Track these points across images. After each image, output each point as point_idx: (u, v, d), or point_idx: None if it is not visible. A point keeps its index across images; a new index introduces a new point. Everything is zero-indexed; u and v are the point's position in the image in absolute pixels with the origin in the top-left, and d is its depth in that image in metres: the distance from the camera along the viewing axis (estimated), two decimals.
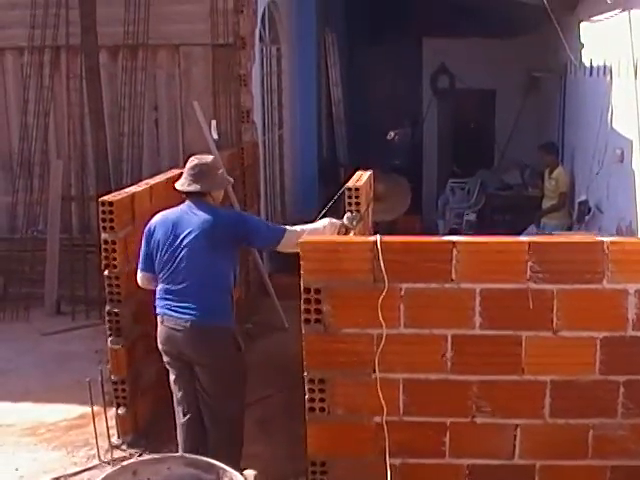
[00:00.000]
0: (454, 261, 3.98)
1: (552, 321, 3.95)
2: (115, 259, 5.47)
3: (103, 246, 5.47)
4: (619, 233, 6.42)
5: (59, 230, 8.81)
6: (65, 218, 8.90)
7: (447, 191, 11.07)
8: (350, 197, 5.36)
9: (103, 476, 4.16)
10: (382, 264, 4.01)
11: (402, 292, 4.05)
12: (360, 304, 4.10)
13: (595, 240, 3.92)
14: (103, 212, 5.43)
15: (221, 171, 5.19)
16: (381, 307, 4.04)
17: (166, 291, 4.86)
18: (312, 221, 5.32)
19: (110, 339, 5.55)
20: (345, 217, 5.27)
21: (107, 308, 5.53)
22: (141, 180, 8.55)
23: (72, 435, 5.86)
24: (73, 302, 8.60)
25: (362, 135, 13.08)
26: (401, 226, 9.80)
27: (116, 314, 5.52)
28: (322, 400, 4.22)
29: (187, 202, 4.99)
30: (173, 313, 4.80)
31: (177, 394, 5.07)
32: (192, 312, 4.75)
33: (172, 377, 5.05)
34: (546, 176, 9.06)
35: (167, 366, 5.05)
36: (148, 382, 5.88)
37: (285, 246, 4.95)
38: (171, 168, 7.26)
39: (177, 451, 5.41)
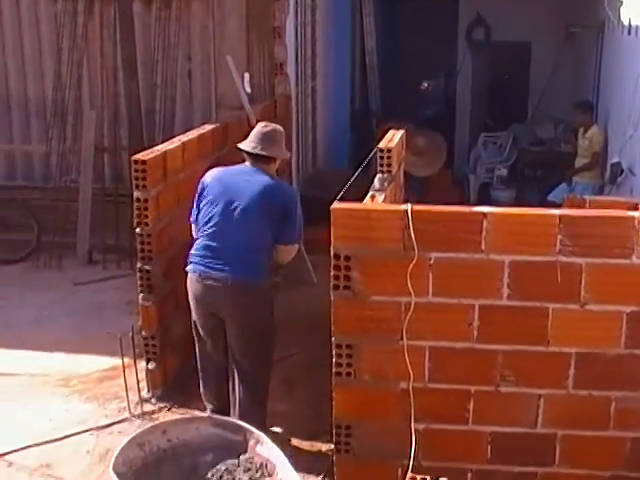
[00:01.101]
0: (484, 232, 3.99)
1: (579, 294, 3.97)
2: (147, 217, 5.52)
3: (135, 204, 5.52)
4: None
5: (92, 180, 8.88)
6: (98, 168, 8.96)
7: (479, 145, 10.97)
8: (382, 158, 5.35)
9: (134, 435, 4.29)
10: (412, 233, 4.03)
11: (431, 261, 4.07)
12: (389, 272, 4.13)
13: (626, 215, 3.90)
14: (135, 170, 5.47)
15: (284, 144, 5.20)
16: (410, 275, 4.07)
17: (206, 247, 4.91)
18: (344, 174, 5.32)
19: (141, 296, 5.64)
20: (376, 178, 5.27)
21: (138, 265, 5.61)
22: (173, 132, 8.67)
23: (103, 387, 5.99)
24: (105, 251, 8.71)
25: (395, 86, 12.96)
26: (432, 180, 9.77)
27: (147, 271, 5.59)
28: (349, 365, 4.28)
29: (247, 164, 5.03)
30: (211, 271, 4.85)
31: (204, 352, 5.19)
32: (233, 270, 4.81)
33: (201, 334, 5.14)
34: (580, 135, 8.95)
35: (196, 323, 5.14)
36: (177, 338, 5.98)
37: (286, 250, 5.05)
38: (203, 123, 7.27)
39: (205, 405, 5.55)
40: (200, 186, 5.06)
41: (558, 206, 5.76)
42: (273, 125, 5.12)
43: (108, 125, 8.98)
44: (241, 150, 5.05)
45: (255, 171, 4.96)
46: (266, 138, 4.98)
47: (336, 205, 4.21)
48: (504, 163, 10.54)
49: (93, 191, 8.90)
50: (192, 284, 4.99)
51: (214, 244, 4.88)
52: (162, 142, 8.43)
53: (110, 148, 9.00)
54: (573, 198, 5.47)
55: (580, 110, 9.01)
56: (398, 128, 6.42)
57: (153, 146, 8.45)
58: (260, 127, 5.05)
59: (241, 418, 4.85)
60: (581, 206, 5.28)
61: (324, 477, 4.74)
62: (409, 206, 4.08)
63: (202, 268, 4.90)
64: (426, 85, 14.20)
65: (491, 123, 12.29)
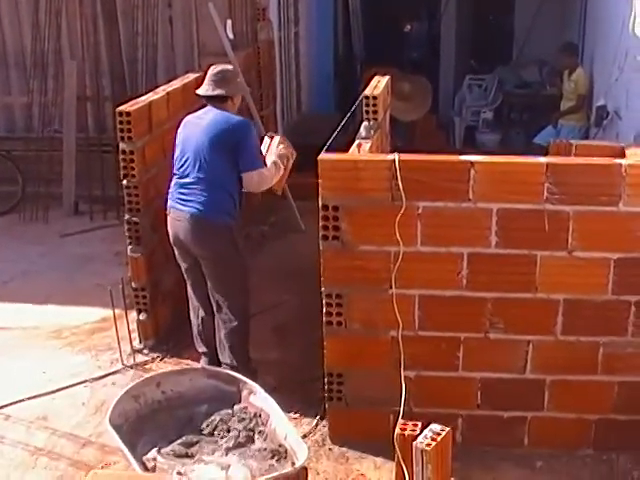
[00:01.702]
0: (471, 181, 4.03)
1: (567, 242, 4.02)
2: (133, 169, 5.49)
3: (121, 156, 5.49)
4: (637, 142, 6.37)
5: (75, 130, 8.80)
6: (81, 118, 8.86)
7: (464, 88, 10.91)
8: (368, 105, 5.32)
9: (128, 387, 4.35)
10: (400, 183, 4.05)
11: (419, 210, 4.11)
12: (378, 222, 4.17)
13: (613, 163, 3.93)
14: (120, 122, 5.43)
15: (240, 79, 5.39)
16: (398, 225, 4.11)
17: (176, 184, 5.12)
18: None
19: (130, 247, 5.64)
20: (362, 126, 5.25)
21: (126, 217, 5.60)
22: (156, 80, 8.58)
23: (95, 339, 6.02)
24: (91, 202, 8.68)
25: (379, 30, 12.80)
26: (418, 125, 9.75)
27: (135, 223, 5.58)
28: (339, 314, 4.35)
29: (207, 106, 5.18)
30: (178, 205, 5.06)
31: (189, 287, 5.34)
32: (193, 205, 4.99)
33: (183, 270, 5.28)
34: (565, 77, 8.90)
35: (178, 260, 5.26)
36: (167, 289, 6.00)
37: (252, 179, 5.01)
38: (187, 71, 7.19)
39: (197, 354, 5.61)
40: (177, 135, 5.28)
41: (544, 149, 5.76)
42: (222, 66, 5.25)
43: (90, 75, 8.85)
44: (198, 95, 5.23)
45: (209, 111, 5.13)
46: (217, 79, 5.13)
47: (323, 156, 4.22)
48: (489, 106, 10.51)
49: (77, 141, 8.82)
50: (167, 221, 5.19)
51: (180, 181, 5.09)
52: (145, 91, 8.42)
53: (93, 98, 8.88)
54: (559, 143, 5.46)
55: (566, 53, 8.96)
56: (383, 73, 6.38)
57: (136, 95, 8.40)
58: (211, 70, 5.20)
59: (222, 351, 5.16)
60: (567, 151, 5.28)
61: (316, 424, 4.80)
62: (396, 156, 4.09)
63: (172, 203, 5.12)
64: (409, 27, 14.06)
65: (475, 65, 12.21)
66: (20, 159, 8.93)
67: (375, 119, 5.31)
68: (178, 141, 5.21)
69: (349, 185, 4.15)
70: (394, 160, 4.06)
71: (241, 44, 8.33)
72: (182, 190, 5.06)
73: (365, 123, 5.28)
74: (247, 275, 5.27)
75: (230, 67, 5.34)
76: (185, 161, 5.07)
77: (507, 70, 11.34)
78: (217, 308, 5.19)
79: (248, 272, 5.27)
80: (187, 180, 5.05)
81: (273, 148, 5.38)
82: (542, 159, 4.01)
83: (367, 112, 5.32)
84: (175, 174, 5.15)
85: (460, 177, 4.02)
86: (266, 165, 5.15)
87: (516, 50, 12.06)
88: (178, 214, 5.05)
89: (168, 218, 5.16)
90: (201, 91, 5.19)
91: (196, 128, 5.09)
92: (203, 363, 5.38)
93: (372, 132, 5.24)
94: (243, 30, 8.46)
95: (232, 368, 4.97)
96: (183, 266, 5.26)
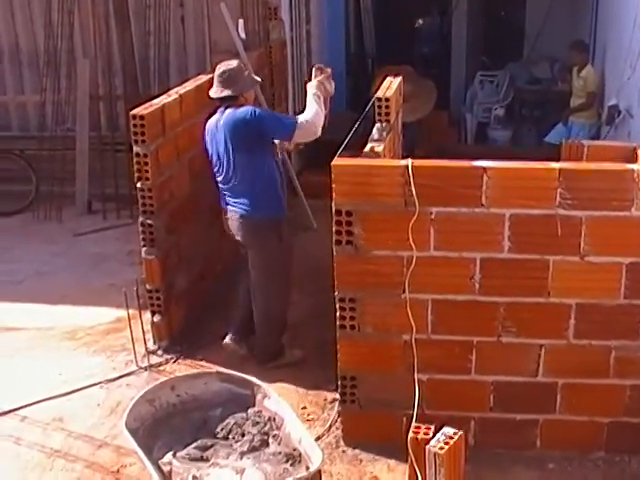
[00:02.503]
0: (484, 187, 4.04)
1: (579, 246, 4.03)
2: (147, 171, 5.52)
3: (135, 159, 5.52)
4: None
5: (88, 129, 8.85)
6: (93, 117, 8.91)
7: (476, 84, 10.89)
8: (380, 107, 5.34)
9: (144, 391, 4.39)
10: (413, 188, 4.07)
11: (432, 216, 4.13)
12: (391, 227, 4.19)
13: (625, 168, 3.94)
14: (134, 125, 5.46)
15: (247, 72, 5.47)
16: (412, 230, 4.13)
17: (221, 189, 5.40)
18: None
19: (144, 250, 5.67)
20: (375, 128, 5.28)
21: (140, 219, 5.63)
22: (168, 79, 8.65)
23: (110, 339, 6.07)
24: (104, 200, 8.72)
25: (390, 26, 12.79)
26: (429, 122, 9.74)
27: (149, 225, 5.62)
28: (352, 318, 4.38)
29: (221, 107, 5.32)
30: (228, 206, 5.37)
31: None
32: (241, 207, 5.27)
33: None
34: (575, 75, 8.89)
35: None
36: (181, 290, 6.04)
37: (299, 137, 5.18)
38: (199, 73, 7.21)
39: (211, 356, 5.66)
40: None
41: (556, 148, 5.75)
42: (226, 64, 5.33)
43: (102, 74, 8.89)
44: (211, 98, 5.39)
45: (223, 111, 5.28)
46: (223, 79, 5.25)
47: (337, 161, 4.24)
48: (501, 102, 10.49)
49: (90, 140, 8.87)
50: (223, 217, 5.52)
51: (223, 186, 5.36)
52: (157, 90, 8.48)
53: (105, 97, 8.93)
54: (571, 143, 5.45)
55: (576, 50, 8.94)
56: (395, 73, 6.40)
57: (148, 94, 8.48)
58: (216, 71, 5.32)
59: (257, 340, 5.58)
60: (579, 151, 5.27)
61: (330, 426, 4.84)
62: (409, 162, 4.11)
63: (223, 204, 5.43)
64: (421, 22, 14.04)
65: (487, 61, 12.19)
66: (33, 158, 9.00)
67: (387, 121, 5.33)
68: (207, 147, 5.41)
69: (363, 190, 4.17)
70: (407, 166, 4.08)
71: (253, 43, 8.35)
72: (227, 193, 5.33)
73: (378, 125, 5.30)
74: (288, 266, 5.51)
75: (234, 63, 5.37)
76: (219, 167, 5.31)
77: (518, 66, 11.32)
78: (253, 300, 5.51)
79: (290, 262, 5.52)
80: (227, 185, 5.30)
81: (313, 80, 5.34)
82: (554, 164, 4.02)
83: (379, 114, 5.34)
84: (215, 177, 5.40)
85: (473, 183, 4.04)
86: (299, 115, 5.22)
87: (527, 46, 12.02)
88: (230, 214, 5.37)
89: (223, 217, 5.46)
90: (212, 94, 5.33)
91: (216, 133, 5.27)
92: (228, 339, 5.67)
93: (384, 134, 5.26)
94: (255, 29, 8.48)
95: (262, 344, 5.53)
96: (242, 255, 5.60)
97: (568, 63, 9.44)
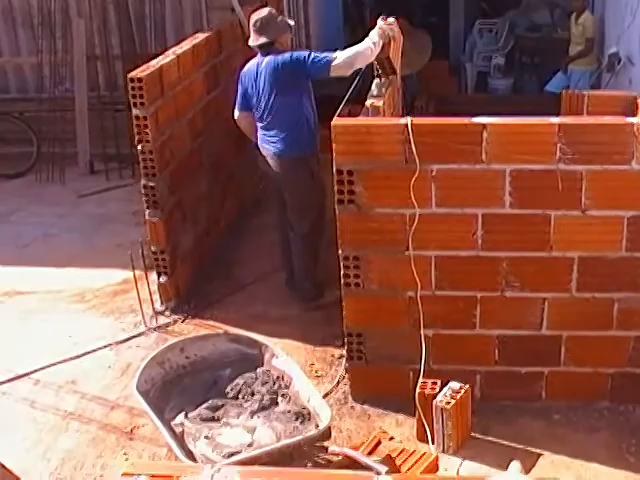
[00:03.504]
0: (484, 143, 4.05)
1: (581, 201, 4.05)
2: (147, 134, 5.52)
3: (135, 122, 5.51)
4: None
5: (87, 89, 8.81)
6: (91, 77, 8.87)
7: (475, 33, 10.77)
8: (379, 63, 5.32)
9: (153, 354, 4.46)
10: (413, 146, 4.08)
11: (433, 173, 4.14)
12: (392, 185, 4.21)
13: (625, 122, 3.94)
14: (132, 88, 5.43)
15: (280, 18, 5.65)
16: (413, 188, 4.15)
17: (259, 127, 5.67)
18: None
19: (147, 212, 5.69)
20: (374, 84, 5.27)
21: (142, 182, 5.64)
22: (165, 37, 8.59)
23: (118, 301, 6.13)
24: (106, 160, 8.72)
25: None
26: (429, 71, 9.68)
27: (152, 187, 5.63)
28: (357, 276, 4.42)
29: (259, 54, 5.58)
30: (264, 144, 5.64)
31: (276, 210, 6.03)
32: (275, 146, 5.55)
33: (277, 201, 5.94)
34: (572, 21, 8.78)
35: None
36: (186, 249, 6.09)
37: (336, 72, 5.26)
38: (195, 30, 7.16)
39: (219, 314, 5.73)
40: (239, 80, 5.72)
41: (557, 97, 5.74)
42: (257, 14, 5.56)
43: (98, 33, 8.83)
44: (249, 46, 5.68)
45: (264, 56, 5.52)
46: (257, 28, 5.49)
47: (336, 121, 4.24)
48: (501, 51, 10.38)
49: (89, 100, 8.84)
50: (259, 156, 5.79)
51: (260, 124, 5.64)
52: (155, 48, 8.43)
53: (102, 57, 8.88)
54: (571, 93, 5.44)
55: None
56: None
57: (146, 52, 8.43)
58: (251, 20, 5.57)
59: (296, 269, 5.88)
60: (580, 101, 5.26)
61: (338, 382, 4.91)
62: (409, 120, 4.12)
63: (259, 142, 5.69)
64: None
65: (486, 7, 12.04)
66: (33, 120, 8.97)
67: (390, 64, 5.31)
68: (245, 90, 5.64)
69: (363, 149, 4.18)
70: (407, 124, 4.08)
71: None
72: (264, 132, 5.61)
73: (377, 81, 5.29)
74: (322, 202, 5.67)
75: (265, 11, 5.57)
76: (257, 108, 5.58)
77: (518, 13, 11.17)
78: (291, 229, 5.77)
79: (323, 196, 5.65)
80: (264, 123, 5.59)
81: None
82: (554, 120, 4.02)
83: (378, 70, 5.33)
84: (255, 118, 5.66)
85: (473, 139, 4.04)
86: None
87: None
88: (265, 151, 5.64)
89: (260, 155, 5.71)
90: (250, 43, 5.60)
91: (255, 77, 5.53)
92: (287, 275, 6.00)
93: (384, 90, 5.25)
94: None
95: (300, 284, 5.83)
96: (274, 191, 5.90)
97: (569, 8, 9.32)
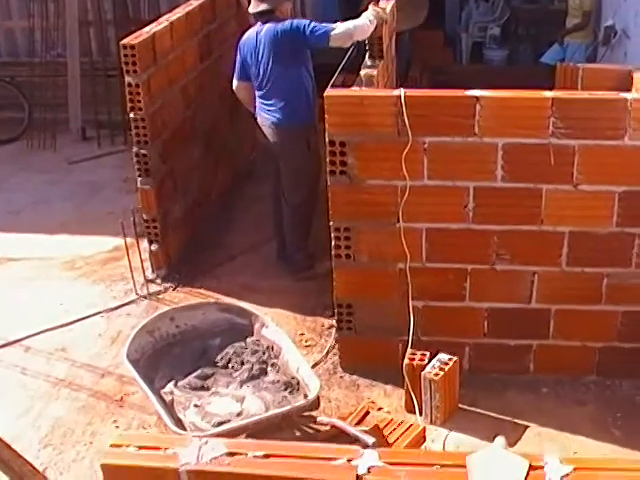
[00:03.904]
0: (477, 116, 4.04)
1: (572, 175, 4.05)
2: (140, 102, 5.48)
3: (127, 89, 5.47)
4: None
5: (79, 55, 8.74)
6: (84, 43, 8.79)
7: (471, 3, 10.68)
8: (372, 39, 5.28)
9: (143, 323, 4.47)
10: (406, 118, 4.07)
11: (426, 145, 4.13)
12: (384, 157, 4.20)
13: (618, 97, 3.93)
14: (125, 55, 5.39)
15: None
16: (405, 160, 4.14)
17: (257, 96, 5.68)
18: None
19: (139, 180, 5.67)
20: (368, 55, 5.24)
21: (134, 149, 5.61)
22: (158, 2, 8.48)
23: (108, 269, 6.12)
24: (97, 127, 8.68)
25: None
26: (424, 41, 9.63)
27: (144, 155, 5.60)
28: (347, 247, 4.42)
29: (259, 23, 5.57)
30: (262, 113, 5.65)
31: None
32: (273, 114, 5.55)
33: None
34: None
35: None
36: (177, 218, 6.08)
37: (335, 42, 5.26)
38: None
39: (209, 283, 5.73)
40: (238, 49, 5.71)
41: (552, 68, 5.72)
42: None
43: None
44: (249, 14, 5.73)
45: (262, 26, 5.52)
46: None
47: (329, 92, 4.22)
48: (496, 22, 10.30)
49: (81, 66, 8.77)
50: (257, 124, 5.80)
51: (259, 93, 5.64)
52: (148, 14, 8.35)
53: (95, 22, 8.80)
54: (566, 66, 5.43)
55: None
56: None
57: (139, 18, 8.35)
58: None
59: (286, 236, 5.90)
60: (574, 74, 5.25)
61: (327, 352, 4.93)
62: (402, 91, 4.10)
63: (257, 111, 5.71)
64: None
65: None
66: (24, 85, 8.93)
67: (380, 45, 5.29)
68: (245, 59, 5.63)
69: (355, 121, 4.16)
70: (400, 96, 4.06)
71: None
72: (262, 100, 5.62)
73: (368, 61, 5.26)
74: (317, 173, 5.64)
75: None
76: (256, 77, 5.56)
77: None
78: (284, 199, 5.78)
79: (319, 170, 5.54)
80: (262, 92, 5.58)
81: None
82: (548, 93, 4.00)
83: (367, 50, 5.30)
84: (254, 86, 5.66)
85: (466, 112, 4.03)
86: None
87: None
88: (262, 120, 5.66)
89: (257, 123, 5.74)
90: (250, 9, 5.62)
91: (254, 45, 5.51)
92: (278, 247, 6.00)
93: (377, 61, 5.24)
94: None
95: (291, 255, 5.84)
96: (271, 160, 5.86)
97: None
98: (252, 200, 6.89)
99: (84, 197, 7.40)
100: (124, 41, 5.44)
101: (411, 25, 9.64)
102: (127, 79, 5.46)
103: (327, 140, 4.21)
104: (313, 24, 5.32)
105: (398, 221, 4.28)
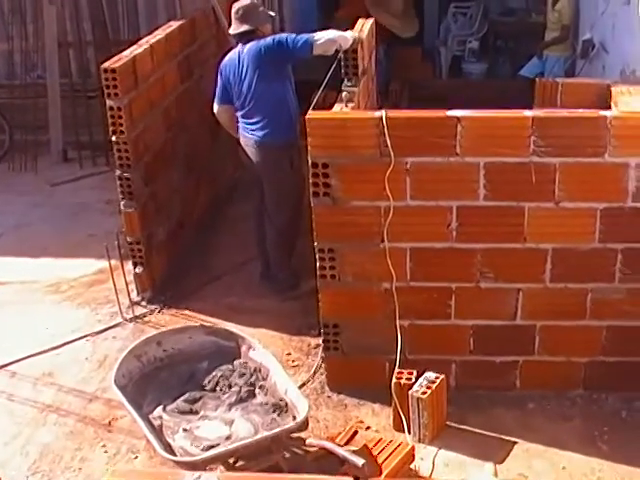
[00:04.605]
0: (458, 136, 4.07)
1: (554, 193, 4.09)
2: (122, 125, 5.49)
3: (109, 113, 5.48)
4: (623, 77, 6.38)
5: (58, 76, 8.74)
6: (63, 64, 8.79)
7: (449, 17, 10.77)
8: (347, 60, 5.29)
9: (131, 347, 4.46)
10: (388, 139, 4.10)
11: (408, 166, 4.17)
12: (367, 178, 4.23)
13: (598, 115, 3.97)
14: (106, 79, 5.40)
15: (262, 9, 5.76)
16: (388, 180, 4.17)
17: (240, 116, 5.67)
18: None
19: (123, 202, 5.67)
20: (343, 85, 5.25)
21: (117, 173, 5.61)
22: (138, 23, 8.54)
23: (93, 292, 6.11)
24: (79, 148, 8.66)
25: None
26: (402, 57, 9.71)
27: (127, 179, 5.61)
28: (332, 268, 4.45)
29: (240, 44, 5.60)
30: (245, 133, 5.65)
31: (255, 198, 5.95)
32: (255, 134, 5.56)
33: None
34: (549, 7, 8.81)
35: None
36: (161, 240, 6.08)
37: (318, 49, 5.30)
38: (169, 19, 7.11)
39: (194, 305, 5.73)
40: (219, 73, 5.71)
41: (531, 81, 5.77)
42: (239, 3, 5.61)
43: (70, 20, 8.75)
44: (230, 35, 5.82)
45: (243, 46, 5.55)
46: (239, 16, 5.54)
47: (311, 114, 4.25)
48: (475, 35, 10.39)
49: (61, 87, 8.77)
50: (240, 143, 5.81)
51: (241, 112, 5.64)
52: (127, 34, 8.37)
53: (74, 43, 8.80)
54: (545, 81, 5.46)
55: None
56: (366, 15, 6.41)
57: (118, 39, 8.37)
58: (233, 9, 5.62)
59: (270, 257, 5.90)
60: (554, 89, 5.29)
61: (314, 372, 4.94)
62: (384, 113, 4.13)
63: (240, 131, 5.71)
64: None
65: None
66: (5, 107, 8.91)
67: (355, 74, 5.28)
68: (227, 80, 5.62)
69: (338, 143, 4.19)
70: (381, 117, 4.09)
71: None
72: (244, 120, 5.62)
73: (346, 82, 5.26)
74: (300, 192, 5.69)
75: (248, 1, 5.60)
76: (238, 96, 5.57)
77: None
78: (267, 218, 5.78)
79: (302, 189, 5.60)
80: (245, 111, 5.58)
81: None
82: (528, 112, 4.05)
83: (347, 66, 5.29)
84: (236, 108, 5.66)
85: (447, 132, 4.06)
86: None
87: None
88: (245, 140, 5.66)
89: (240, 143, 5.74)
90: (231, 31, 5.67)
91: (237, 65, 5.53)
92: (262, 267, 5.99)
93: (356, 80, 5.24)
94: None
95: (275, 274, 5.85)
96: (253, 180, 5.84)
97: None
98: (235, 220, 6.90)
99: (67, 219, 7.38)
100: (105, 65, 5.45)
101: (412, 33, 9.80)
102: (108, 103, 5.47)
103: (310, 162, 4.23)
104: (294, 35, 5.36)
105: (382, 241, 4.31)
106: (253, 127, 5.56)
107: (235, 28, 5.58)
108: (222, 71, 5.67)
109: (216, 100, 5.76)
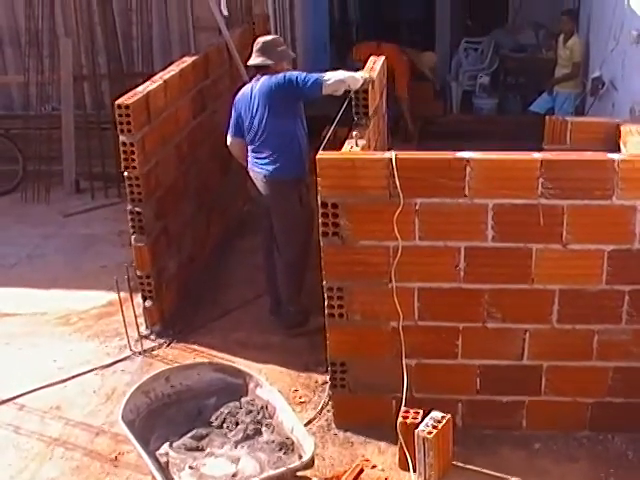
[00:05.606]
0: (467, 177, 4.10)
1: (562, 235, 4.11)
2: (134, 160, 5.55)
3: (122, 148, 5.54)
4: (632, 115, 6.41)
5: (73, 108, 8.83)
6: (78, 97, 8.88)
7: (460, 52, 10.86)
8: (358, 99, 5.34)
9: (139, 383, 4.49)
10: (397, 180, 4.14)
11: (417, 207, 4.19)
12: (376, 218, 4.26)
13: (606, 158, 4.00)
14: (120, 115, 5.47)
15: (282, 47, 5.80)
16: (397, 221, 4.20)
17: (250, 150, 5.72)
18: None
19: (134, 237, 5.72)
20: (353, 124, 5.30)
21: (129, 207, 5.66)
22: (152, 57, 8.64)
23: (103, 324, 6.14)
24: (91, 179, 8.74)
25: None
26: (413, 94, 9.78)
27: (138, 213, 5.66)
28: (340, 307, 4.47)
29: (254, 79, 5.71)
30: (254, 167, 5.69)
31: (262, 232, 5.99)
32: (265, 168, 5.60)
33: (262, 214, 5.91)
34: (560, 44, 8.88)
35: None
36: (171, 274, 6.11)
37: (328, 89, 5.35)
38: (183, 55, 7.19)
39: (203, 339, 5.75)
40: (234, 105, 5.78)
41: (541, 117, 5.81)
42: (264, 37, 5.80)
43: (85, 53, 8.86)
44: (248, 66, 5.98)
45: (257, 80, 5.64)
46: (259, 49, 5.65)
47: (321, 155, 4.29)
48: (486, 70, 10.47)
49: (75, 119, 8.86)
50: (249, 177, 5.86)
51: (252, 147, 5.69)
52: (141, 67, 8.47)
53: (89, 76, 8.91)
54: (555, 119, 5.48)
55: (568, 18, 8.92)
56: (378, 53, 6.46)
57: (132, 72, 8.47)
58: (256, 43, 5.73)
59: (283, 315, 5.90)
60: (563, 127, 5.32)
61: (321, 409, 4.94)
62: (393, 154, 4.17)
63: (250, 165, 5.75)
64: None
65: (472, 25, 12.13)
66: (19, 137, 9.00)
67: (366, 114, 5.33)
68: (239, 114, 5.70)
69: (347, 183, 4.23)
70: (391, 158, 4.13)
71: (236, 19, 8.33)
72: (254, 154, 5.67)
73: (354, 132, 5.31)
74: (309, 227, 5.68)
75: (270, 37, 5.84)
76: (249, 130, 5.63)
77: (503, 33, 11.28)
78: (277, 253, 5.80)
79: (311, 224, 5.56)
80: (255, 145, 5.64)
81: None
82: (536, 155, 4.08)
83: (357, 105, 5.35)
84: (247, 141, 5.71)
85: (456, 174, 4.10)
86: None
87: (512, 12, 11.98)
88: (254, 174, 5.70)
89: (249, 177, 5.78)
90: (249, 62, 5.76)
91: (249, 100, 5.61)
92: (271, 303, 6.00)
93: (367, 122, 5.30)
94: (237, 5, 8.45)
95: (285, 310, 5.85)
96: (262, 214, 5.86)
97: (556, 30, 9.41)
98: (245, 254, 6.94)
99: (78, 251, 7.43)
100: (119, 101, 5.52)
101: (432, 65, 9.92)
102: (122, 138, 5.53)
103: (319, 202, 4.27)
104: (305, 74, 5.42)
105: (390, 281, 4.33)
106: (263, 162, 5.60)
107: (253, 59, 5.68)
108: (235, 105, 5.75)
109: (230, 132, 5.83)
